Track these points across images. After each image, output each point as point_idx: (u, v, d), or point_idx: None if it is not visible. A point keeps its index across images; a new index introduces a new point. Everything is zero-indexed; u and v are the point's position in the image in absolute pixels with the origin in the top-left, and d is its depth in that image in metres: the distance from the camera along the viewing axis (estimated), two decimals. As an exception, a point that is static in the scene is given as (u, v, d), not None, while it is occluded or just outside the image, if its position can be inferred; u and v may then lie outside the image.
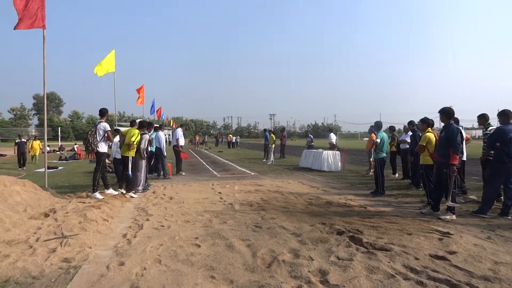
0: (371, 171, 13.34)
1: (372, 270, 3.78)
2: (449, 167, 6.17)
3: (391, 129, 13.31)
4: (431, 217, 6.29)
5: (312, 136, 20.93)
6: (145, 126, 9.43)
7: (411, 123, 10.09)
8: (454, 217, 6.14)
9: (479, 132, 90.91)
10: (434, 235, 5.04)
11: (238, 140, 47.32)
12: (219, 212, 6.73)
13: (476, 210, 6.49)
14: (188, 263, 4.07)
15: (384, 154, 8.92)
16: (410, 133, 10.53)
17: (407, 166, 10.77)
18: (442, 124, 6.57)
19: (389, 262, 4.00)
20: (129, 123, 10.06)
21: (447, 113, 6.43)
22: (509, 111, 6.46)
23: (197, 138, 50.36)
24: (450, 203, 6.18)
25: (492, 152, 6.63)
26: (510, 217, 6.15)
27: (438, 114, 6.58)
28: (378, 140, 8.82)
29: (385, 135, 9.04)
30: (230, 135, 50.09)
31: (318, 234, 5.15)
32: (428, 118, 7.92)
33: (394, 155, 12.54)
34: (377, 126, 9.31)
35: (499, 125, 6.63)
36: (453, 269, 3.82)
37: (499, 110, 6.57)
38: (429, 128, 7.65)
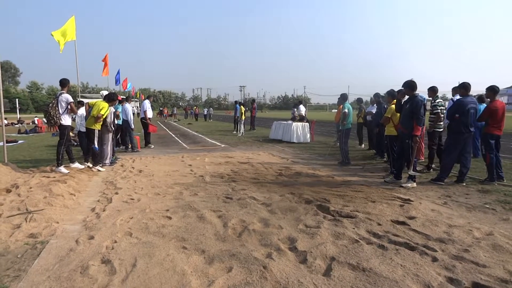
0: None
1: (338, 236, 3.97)
2: (411, 138, 6.44)
3: (359, 101, 13.63)
4: (393, 185, 6.60)
5: (295, 110, 18.22)
6: (115, 99, 9.01)
7: (377, 95, 10.34)
8: (415, 185, 6.49)
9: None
10: (396, 202, 5.32)
11: (211, 112, 45.73)
12: (189, 184, 6.74)
13: (435, 178, 6.87)
14: (159, 235, 4.09)
15: (350, 126, 9.11)
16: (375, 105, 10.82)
17: (373, 137, 11.14)
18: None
19: (354, 229, 4.20)
20: (92, 95, 9.65)
21: (410, 86, 6.64)
22: (468, 84, 6.75)
23: (166, 111, 49.35)
24: (411, 172, 6.50)
25: (436, 123, 7.12)
26: (464, 184, 6.58)
27: (403, 87, 6.78)
28: (346, 111, 8.95)
29: (350, 107, 9.21)
30: (195, 107, 49.06)
31: (287, 204, 5.28)
32: (393, 91, 8.14)
33: (360, 127, 12.92)
34: (343, 98, 9.49)
35: (453, 97, 6.94)
36: (412, 233, 4.08)
37: (459, 83, 6.86)
38: (395, 101, 7.89)
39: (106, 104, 8.48)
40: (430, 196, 5.82)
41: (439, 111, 7.69)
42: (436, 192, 6.10)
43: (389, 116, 7.53)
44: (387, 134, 7.74)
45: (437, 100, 7.76)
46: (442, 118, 7.87)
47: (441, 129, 7.98)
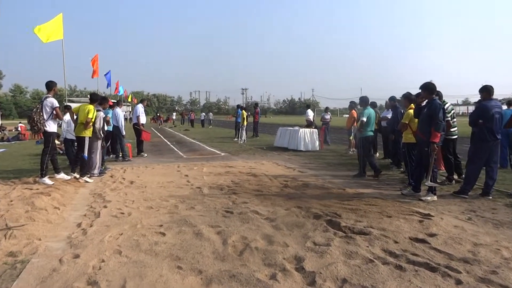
0: (351, 150, 13.68)
1: (350, 255, 3.92)
2: (430, 145, 6.40)
3: (373, 105, 13.52)
4: (411, 199, 6.55)
5: (329, 114, 18.69)
6: (97, 100, 9.07)
7: (392, 99, 10.32)
8: (435, 198, 6.43)
9: (463, 109, 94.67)
10: (415, 217, 5.26)
11: (211, 117, 45.57)
12: (186, 197, 6.72)
13: (458, 190, 6.81)
14: (151, 253, 4.06)
15: (371, 133, 8.85)
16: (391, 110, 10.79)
17: (388, 145, 11.09)
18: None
19: (367, 247, 4.16)
20: (81, 98, 9.72)
21: (429, 89, 6.61)
22: (491, 86, 6.71)
23: (162, 117, 49.78)
24: (429, 183, 6.46)
25: (448, 130, 7.21)
26: (491, 197, 6.51)
27: (420, 89, 6.75)
28: (364, 119, 8.67)
29: (372, 112, 8.94)
30: (191, 112, 49.05)
31: (293, 219, 5.25)
32: (410, 94, 8.12)
33: (375, 133, 12.87)
34: (363, 102, 9.16)
35: (480, 101, 6.90)
36: (432, 252, 4.02)
37: (482, 86, 6.83)
38: (412, 105, 7.85)
39: (91, 106, 8.52)
40: (453, 210, 5.76)
41: (449, 118, 7.65)
42: (459, 206, 6.04)
43: (407, 122, 7.48)
44: (404, 141, 7.70)
45: (445, 106, 7.71)
46: (454, 125, 7.88)
47: (455, 136, 7.95)
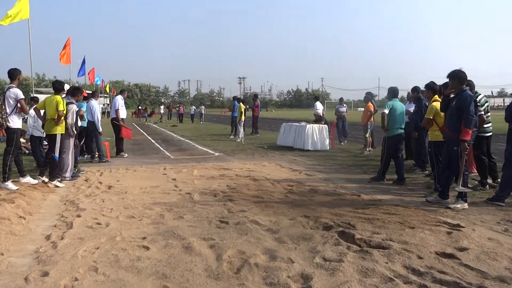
0: (367, 150, 13.69)
1: (366, 273, 3.92)
2: (459, 144, 6.38)
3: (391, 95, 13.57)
4: (438, 206, 6.55)
5: (345, 106, 18.73)
6: (61, 89, 8.92)
7: (416, 89, 10.31)
8: (466, 205, 6.43)
9: (499, 101, 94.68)
10: (442, 228, 5.26)
11: (203, 111, 43.91)
12: (173, 205, 6.72)
13: (492, 197, 6.81)
14: (133, 270, 4.06)
15: (398, 132, 8.63)
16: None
17: (411, 144, 11.08)
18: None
19: (386, 263, 4.15)
20: (50, 89, 9.67)
21: (458, 77, 6.58)
22: None
23: (145, 110, 49.61)
24: (459, 188, 6.45)
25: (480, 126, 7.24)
26: (531, 205, 6.50)
27: (448, 78, 6.73)
28: (386, 111, 8.54)
29: (399, 106, 8.75)
30: (180, 104, 48.45)
31: (300, 230, 5.25)
32: (434, 84, 8.10)
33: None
34: (391, 93, 9.00)
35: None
36: (463, 269, 4.02)
37: None
38: (436, 96, 7.83)
39: (59, 97, 8.48)
40: (486, 220, 5.76)
41: (482, 112, 7.63)
42: (494, 215, 6.03)
43: (431, 117, 7.45)
44: (431, 140, 7.67)
45: (478, 98, 7.70)
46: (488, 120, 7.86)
47: (489, 134, 7.94)
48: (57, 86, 8.85)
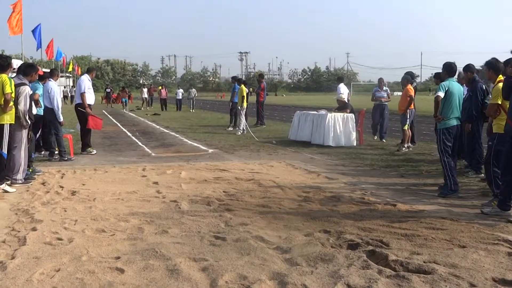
0: (406, 146, 13.66)
1: (403, 305, 3.92)
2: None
3: (438, 77, 13.52)
4: (497, 220, 6.52)
5: (385, 90, 17.24)
6: (7, 66, 8.86)
7: (469, 68, 10.27)
8: (533, 218, 6.41)
9: None
10: (501, 248, 5.24)
11: (193, 95, 42.64)
12: (155, 215, 6.72)
13: None
14: (103, 299, 4.07)
15: (455, 122, 8.37)
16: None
17: (463, 139, 11.04)
18: None
19: (429, 292, 4.15)
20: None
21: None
22: None
23: (117, 94, 49.12)
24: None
25: None
26: None
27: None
28: (441, 94, 8.26)
29: (457, 87, 8.48)
30: (162, 87, 47.19)
31: (317, 249, 5.22)
32: (497, 61, 8.03)
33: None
34: (447, 71, 8.60)
35: None
36: (528, 300, 4.02)
37: None
38: (501, 76, 7.78)
39: (5, 76, 8.38)
40: (560, 238, 5.74)
41: None
42: None
43: (498, 103, 7.38)
44: (496, 131, 7.58)
45: None
46: None
47: None
48: (1, 63, 8.73)
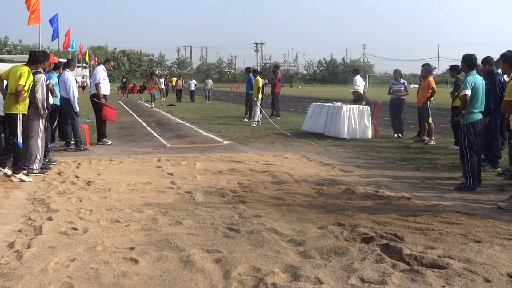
0: (426, 139, 13.56)
1: (417, 299, 3.91)
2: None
3: (453, 69, 13.39)
4: (513, 215, 6.48)
5: (402, 82, 16.23)
6: (40, 60, 9.02)
7: (487, 61, 10.15)
8: (550, 214, 6.35)
9: None
10: (517, 244, 5.21)
11: (209, 86, 41.70)
12: (169, 206, 6.75)
13: None
14: (118, 289, 4.10)
15: (479, 116, 8.18)
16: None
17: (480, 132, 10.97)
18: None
19: (443, 286, 4.13)
20: (14, 56, 9.65)
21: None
22: None
23: (140, 84, 48.64)
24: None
25: None
26: None
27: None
28: (468, 92, 8.03)
29: (479, 81, 8.22)
30: (180, 77, 46.57)
31: (331, 242, 5.22)
32: None
33: (456, 115, 12.74)
34: (468, 63, 8.34)
35: None
36: (544, 296, 3.98)
37: None
38: None
39: (25, 69, 8.49)
40: None
41: None
42: None
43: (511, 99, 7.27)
44: None
45: None
46: None
47: None
48: (34, 58, 8.85)
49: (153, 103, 32.53)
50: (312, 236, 5.46)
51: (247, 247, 5.09)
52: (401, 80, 16.03)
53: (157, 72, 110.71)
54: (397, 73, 16.28)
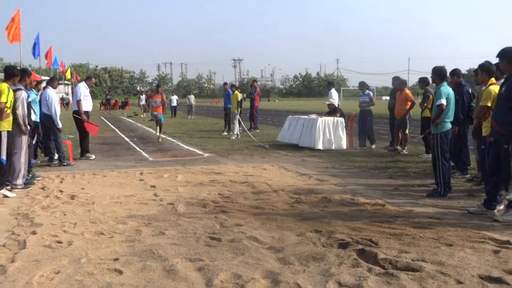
0: (398, 148, 13.72)
1: (393, 302, 3.93)
2: (510, 141, 6.39)
3: (423, 81, 13.60)
4: (483, 219, 6.55)
5: (367, 94, 16.51)
6: (16, 74, 8.88)
7: (455, 73, 10.33)
8: (518, 218, 6.44)
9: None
10: (487, 246, 5.27)
11: (192, 102, 40.72)
12: (152, 218, 6.73)
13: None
14: (102, 300, 4.06)
15: (450, 125, 8.30)
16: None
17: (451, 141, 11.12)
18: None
19: (418, 289, 4.16)
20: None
21: (508, 57, 6.59)
22: None
23: (117, 101, 48.71)
24: (510, 196, 6.46)
25: None
26: None
27: (497, 58, 6.75)
28: (444, 102, 8.14)
29: (451, 92, 8.33)
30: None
31: (309, 248, 5.25)
32: (490, 64, 8.04)
33: (427, 123, 12.89)
34: (438, 75, 8.41)
35: None
36: (514, 296, 4.03)
37: None
38: (493, 79, 7.80)
39: (5, 85, 8.39)
40: (543, 236, 5.77)
41: None
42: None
43: (488, 105, 7.39)
44: (486, 135, 7.60)
45: None
46: None
47: None
48: (9, 72, 8.78)
49: (159, 131, 19.15)
50: (291, 243, 5.48)
51: (229, 255, 5.10)
52: (366, 92, 16.36)
53: (138, 88, 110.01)
54: (362, 85, 16.74)
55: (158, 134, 18.92)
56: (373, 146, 15.34)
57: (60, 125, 12.15)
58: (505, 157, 6.52)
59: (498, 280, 4.34)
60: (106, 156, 14.00)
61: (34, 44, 31.80)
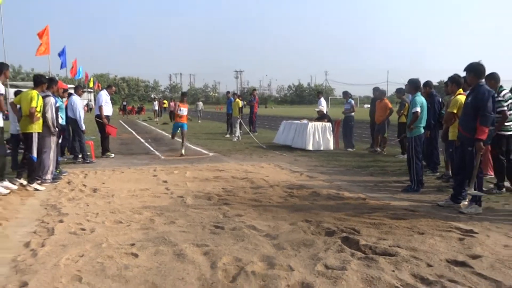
0: (378, 150, 13.80)
1: (372, 282, 3.97)
2: (474, 144, 6.44)
3: (399, 91, 13.68)
4: (450, 211, 6.61)
5: (349, 102, 16.24)
6: (43, 81, 8.90)
7: (428, 84, 10.38)
8: (480, 210, 6.49)
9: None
10: (453, 235, 5.33)
11: (201, 108, 41.19)
12: (164, 209, 6.77)
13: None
14: (121, 279, 4.09)
15: (423, 130, 8.37)
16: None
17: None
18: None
19: (393, 271, 4.20)
20: (27, 83, 9.57)
21: (475, 71, 6.64)
22: None
23: (133, 107, 48.35)
24: (472, 191, 6.52)
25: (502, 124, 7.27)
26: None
27: (465, 72, 6.80)
28: (419, 109, 8.14)
29: (424, 101, 8.41)
30: (172, 100, 46.19)
31: (300, 236, 5.31)
32: (459, 76, 8.18)
33: (403, 128, 12.95)
34: (413, 86, 8.50)
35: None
36: (476, 278, 4.07)
37: None
38: (461, 90, 7.94)
39: (35, 92, 8.45)
40: (503, 226, 5.80)
41: (505, 108, 7.65)
42: (510, 221, 6.09)
43: (454, 111, 7.53)
44: (452, 138, 7.72)
45: (502, 92, 7.73)
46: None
47: (510, 132, 7.81)
48: (37, 80, 8.80)
49: (183, 148, 14.26)
50: (284, 231, 5.54)
51: (230, 241, 5.15)
52: (349, 100, 16.33)
53: (152, 96, 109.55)
54: (346, 94, 16.82)
55: (183, 150, 14.01)
56: (349, 150, 15.09)
57: (84, 127, 12.24)
58: (469, 158, 6.58)
59: (462, 264, 4.40)
60: (124, 155, 13.99)
61: (61, 56, 31.70)
